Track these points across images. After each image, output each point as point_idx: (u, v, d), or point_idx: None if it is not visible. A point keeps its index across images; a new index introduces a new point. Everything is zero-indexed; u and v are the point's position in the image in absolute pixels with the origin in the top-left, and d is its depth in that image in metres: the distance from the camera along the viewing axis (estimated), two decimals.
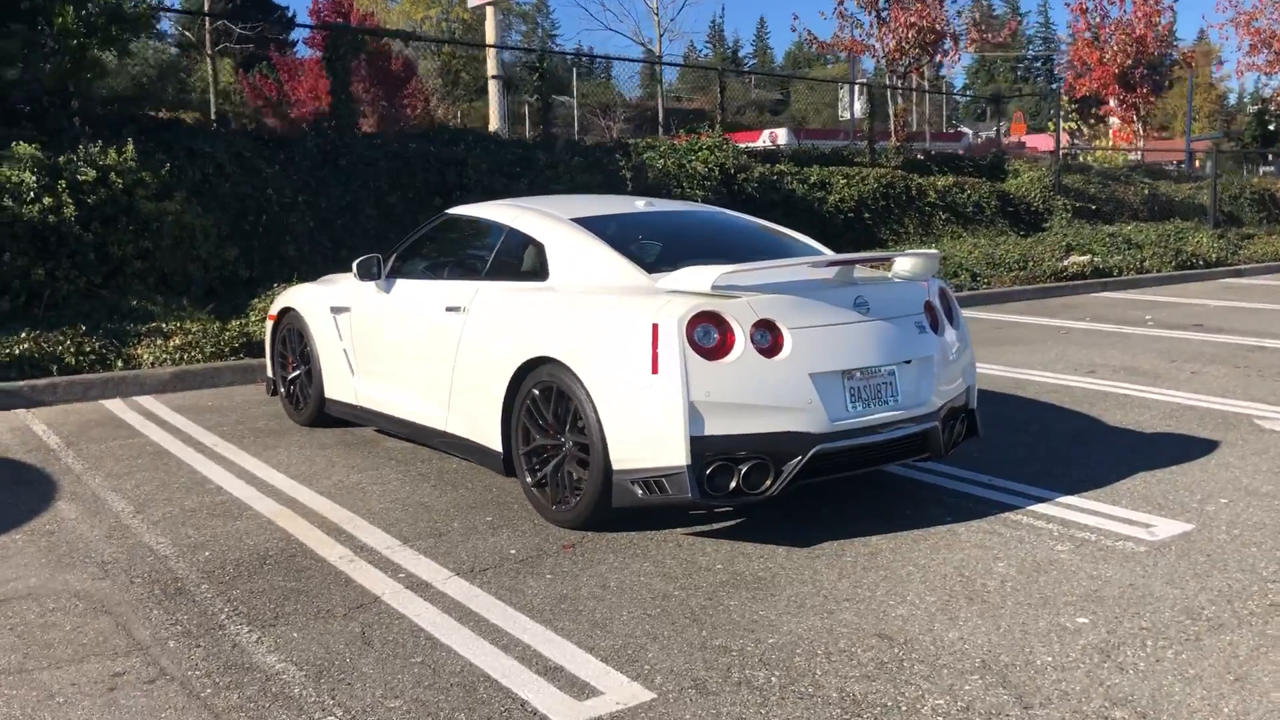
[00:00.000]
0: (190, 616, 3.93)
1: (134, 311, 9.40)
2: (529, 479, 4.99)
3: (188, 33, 29.14)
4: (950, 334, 5.19)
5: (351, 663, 3.53)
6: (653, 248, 5.44)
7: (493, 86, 19.58)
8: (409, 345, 5.91)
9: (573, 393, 4.69)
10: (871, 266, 5.61)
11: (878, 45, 23.14)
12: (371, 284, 6.21)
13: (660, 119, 19.64)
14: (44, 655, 3.61)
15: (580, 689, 3.33)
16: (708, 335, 4.43)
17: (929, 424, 4.87)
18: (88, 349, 8.52)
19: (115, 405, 7.84)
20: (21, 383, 7.93)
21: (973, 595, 4.05)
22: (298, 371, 7.02)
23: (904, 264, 5.32)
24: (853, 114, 28.65)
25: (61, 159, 9.51)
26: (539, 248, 5.33)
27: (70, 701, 3.28)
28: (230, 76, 30.08)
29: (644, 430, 4.44)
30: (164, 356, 8.70)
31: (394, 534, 4.82)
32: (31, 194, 9.16)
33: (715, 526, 4.85)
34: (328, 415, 6.76)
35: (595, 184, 13.46)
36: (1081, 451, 6.11)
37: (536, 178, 13.20)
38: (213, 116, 19.24)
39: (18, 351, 8.19)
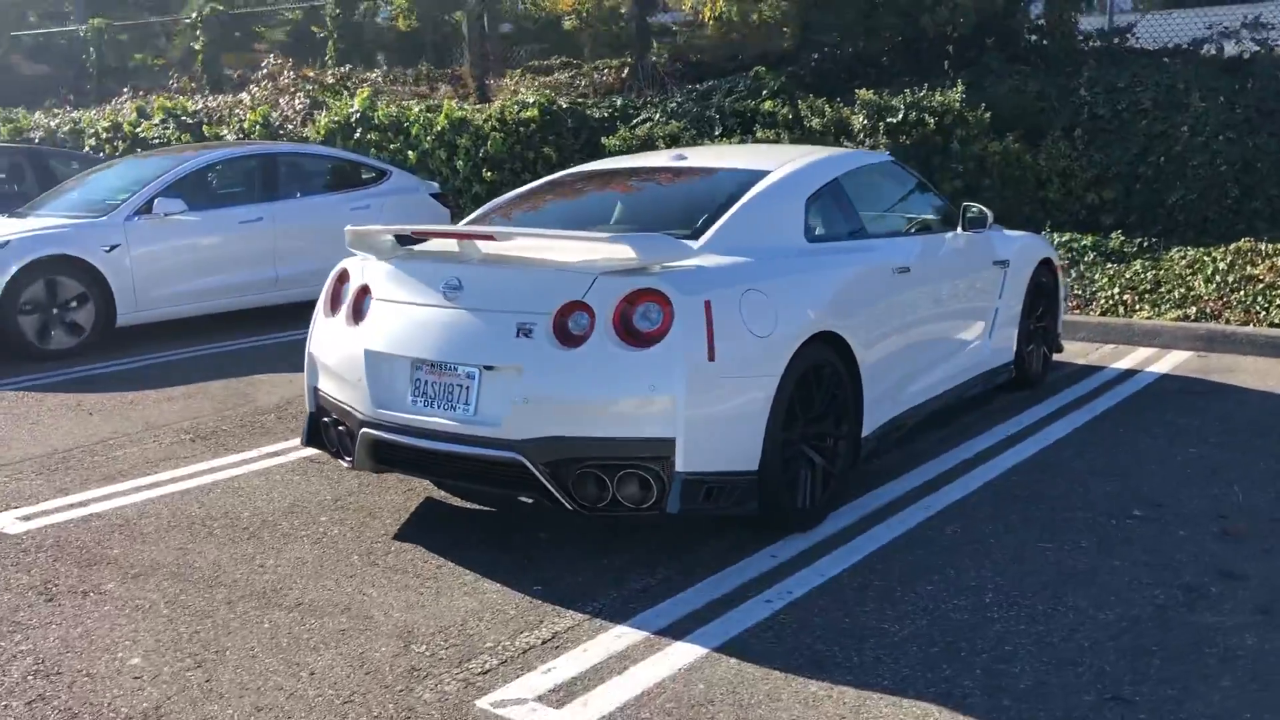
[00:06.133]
0: None
1: None
2: None
3: None
4: (632, 355, 3.69)
5: None
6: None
7: None
8: None
9: None
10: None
11: None
12: None
13: None
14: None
15: None
16: (342, 291, 4.47)
17: (506, 453, 3.76)
18: None
19: None
20: None
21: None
22: None
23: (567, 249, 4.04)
24: None
25: (894, 100, 10.26)
26: None
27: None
28: None
29: None
30: None
31: None
32: (863, 134, 10.25)
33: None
34: None
35: None
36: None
37: None
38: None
39: None
